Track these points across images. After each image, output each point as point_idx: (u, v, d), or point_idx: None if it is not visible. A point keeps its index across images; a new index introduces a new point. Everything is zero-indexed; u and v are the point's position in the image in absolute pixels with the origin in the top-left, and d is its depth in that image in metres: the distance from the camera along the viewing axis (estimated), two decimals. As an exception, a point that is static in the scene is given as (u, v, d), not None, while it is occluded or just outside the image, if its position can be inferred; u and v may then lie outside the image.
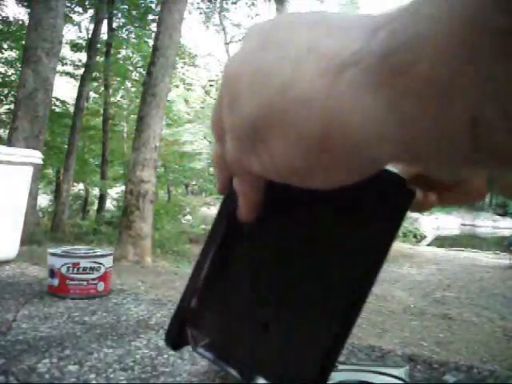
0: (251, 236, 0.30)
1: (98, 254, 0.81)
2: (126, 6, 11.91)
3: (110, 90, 11.98)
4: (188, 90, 13.68)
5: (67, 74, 12.20)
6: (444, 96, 0.16)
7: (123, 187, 10.05)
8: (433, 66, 0.16)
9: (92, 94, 12.88)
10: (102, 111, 12.21)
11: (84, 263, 0.78)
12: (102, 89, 12.16)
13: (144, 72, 9.65)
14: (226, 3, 14.26)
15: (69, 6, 11.06)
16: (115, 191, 13.38)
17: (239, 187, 0.27)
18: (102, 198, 12.69)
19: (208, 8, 14.54)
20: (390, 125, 0.18)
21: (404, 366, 0.50)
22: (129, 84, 12.59)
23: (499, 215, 23.34)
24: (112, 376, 0.47)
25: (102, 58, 11.71)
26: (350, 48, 0.19)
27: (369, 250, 0.26)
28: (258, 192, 0.27)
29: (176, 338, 0.32)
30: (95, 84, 12.33)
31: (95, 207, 13.48)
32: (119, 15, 12.16)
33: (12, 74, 11.57)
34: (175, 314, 0.33)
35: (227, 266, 0.31)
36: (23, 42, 7.08)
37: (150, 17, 11.87)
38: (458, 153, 0.17)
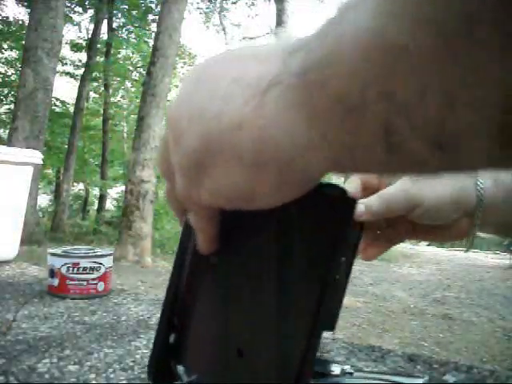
0: (215, 265, 0.31)
1: (98, 254, 0.81)
2: (126, 6, 11.92)
3: (110, 90, 11.99)
4: (188, 89, 13.65)
5: (67, 73, 12.20)
6: (355, 110, 0.17)
7: (123, 187, 10.06)
8: (341, 82, 0.17)
9: (92, 94, 12.89)
10: (102, 111, 12.22)
11: (84, 263, 0.78)
12: (102, 89, 12.17)
13: (144, 72, 9.65)
14: (226, 3, 14.27)
15: (69, 6, 11.06)
16: (115, 191, 13.38)
17: (195, 223, 0.28)
18: (101, 198, 12.69)
19: (208, 8, 14.54)
20: (313, 139, 0.19)
21: (423, 376, 0.49)
22: (129, 84, 12.59)
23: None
24: (112, 376, 0.47)
25: (102, 58, 11.72)
26: (272, 72, 0.21)
27: (321, 259, 0.27)
28: (213, 226, 0.28)
29: (161, 376, 0.33)
30: (95, 84, 12.34)
31: (95, 207, 13.49)
32: (119, 15, 12.17)
33: (12, 74, 11.58)
34: (154, 351, 0.33)
35: (198, 297, 0.32)
36: (23, 42, 7.08)
37: (150, 17, 11.89)
38: (376, 160, 0.18)
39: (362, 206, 0.38)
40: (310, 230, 0.28)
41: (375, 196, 0.41)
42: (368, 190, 0.43)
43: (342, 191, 0.27)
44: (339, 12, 0.18)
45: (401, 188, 0.41)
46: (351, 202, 0.27)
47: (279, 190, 0.23)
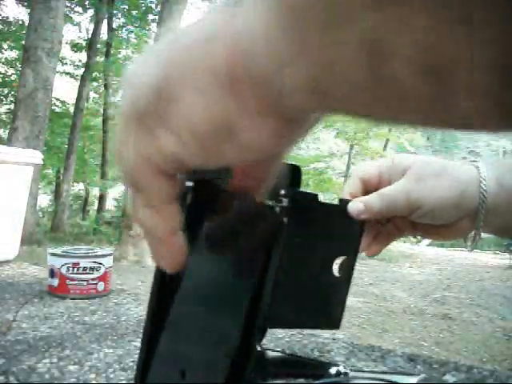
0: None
1: (98, 254, 0.81)
2: (126, 6, 11.92)
3: (110, 90, 11.98)
4: (188, 89, 13.64)
5: (67, 74, 12.20)
6: (341, 19, 0.14)
7: (123, 187, 10.04)
8: None
9: (92, 94, 12.88)
10: (101, 111, 12.21)
11: (84, 263, 0.78)
12: (102, 89, 12.16)
13: (144, 72, 9.63)
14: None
15: (69, 6, 11.06)
16: (115, 191, 13.37)
17: (150, 219, 0.24)
18: (101, 198, 12.69)
19: (208, 8, 14.52)
20: (290, 50, 0.16)
21: (419, 373, 0.50)
22: (129, 84, 12.56)
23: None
24: (112, 376, 0.47)
25: (102, 58, 11.71)
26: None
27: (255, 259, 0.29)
28: (176, 215, 0.24)
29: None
30: (95, 84, 12.33)
31: (95, 207, 13.48)
32: (119, 15, 12.16)
33: (12, 74, 11.57)
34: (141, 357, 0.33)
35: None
36: (23, 42, 7.08)
37: (150, 17, 11.88)
38: (359, 88, 0.16)
39: (361, 204, 0.38)
40: (245, 233, 0.29)
41: (375, 195, 0.41)
42: (368, 190, 0.43)
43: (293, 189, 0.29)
44: None
45: (402, 189, 0.41)
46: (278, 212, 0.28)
47: (255, 123, 0.19)
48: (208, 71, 0.19)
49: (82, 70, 11.27)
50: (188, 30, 0.20)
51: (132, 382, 0.46)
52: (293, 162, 0.29)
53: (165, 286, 0.31)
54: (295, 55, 0.16)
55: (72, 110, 11.27)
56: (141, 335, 0.36)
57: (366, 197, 0.41)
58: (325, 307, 0.33)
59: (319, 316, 0.33)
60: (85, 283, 0.78)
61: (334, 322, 0.34)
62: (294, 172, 0.29)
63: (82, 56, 11.95)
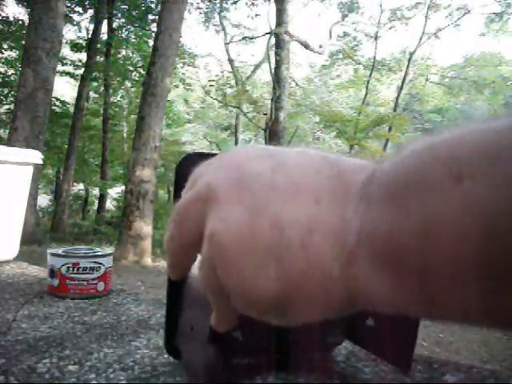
0: None
1: (98, 254, 0.81)
2: (126, 6, 11.92)
3: (110, 90, 11.98)
4: (188, 89, 13.68)
5: (67, 74, 12.20)
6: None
7: (123, 187, 10.05)
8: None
9: (92, 94, 12.88)
10: (102, 111, 12.21)
11: (84, 263, 0.78)
12: (102, 89, 12.16)
13: (144, 72, 9.65)
14: (226, 3, 14.26)
15: (69, 6, 11.06)
16: (115, 191, 13.38)
17: (221, 308, 0.29)
18: (101, 198, 12.69)
19: (208, 8, 14.54)
20: (394, 300, 0.21)
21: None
22: (129, 84, 12.59)
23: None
24: (112, 376, 0.47)
25: (102, 58, 11.71)
26: (350, 230, 0.21)
27: None
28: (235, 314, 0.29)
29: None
30: (95, 84, 12.33)
31: (95, 207, 13.48)
32: (119, 15, 12.16)
33: (12, 74, 11.57)
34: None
35: None
36: (23, 42, 7.08)
37: (150, 17, 11.88)
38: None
39: None
40: None
41: None
42: None
43: None
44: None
45: None
46: None
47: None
48: (321, 306, 0.23)
49: (82, 69, 11.27)
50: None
51: (132, 382, 0.46)
52: None
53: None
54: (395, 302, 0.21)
55: (72, 109, 11.27)
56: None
57: None
58: None
59: None
60: (85, 283, 0.78)
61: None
62: None
63: (82, 56, 11.96)
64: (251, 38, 14.59)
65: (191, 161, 0.34)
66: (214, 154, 0.35)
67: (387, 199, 0.20)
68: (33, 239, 6.14)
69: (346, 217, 0.21)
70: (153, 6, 11.71)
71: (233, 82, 12.73)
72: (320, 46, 14.24)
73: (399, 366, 0.46)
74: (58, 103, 11.43)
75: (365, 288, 0.21)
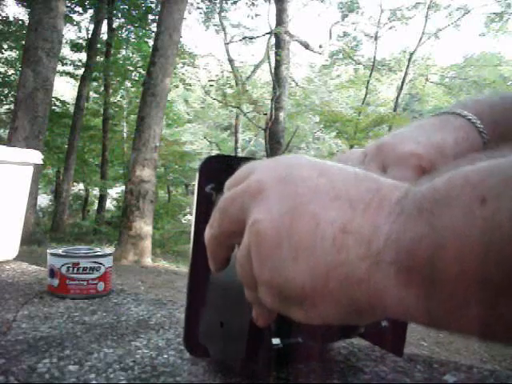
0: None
1: (98, 254, 0.81)
2: (126, 6, 11.91)
3: (110, 90, 11.98)
4: (188, 90, 13.67)
5: (67, 74, 12.19)
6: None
7: (123, 187, 10.05)
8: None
9: (92, 94, 12.88)
10: (102, 111, 12.21)
11: (84, 263, 0.78)
12: (102, 89, 12.16)
13: (144, 72, 9.64)
14: (226, 3, 14.26)
15: (69, 6, 11.06)
16: (115, 191, 13.38)
17: (258, 306, 0.31)
18: (102, 198, 12.68)
19: (208, 8, 14.54)
20: (418, 309, 0.22)
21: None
22: (129, 84, 12.58)
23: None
24: (112, 376, 0.47)
25: (102, 58, 11.71)
26: (379, 236, 0.23)
27: None
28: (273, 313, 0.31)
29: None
30: (95, 84, 12.33)
31: (95, 207, 13.48)
32: (119, 15, 12.16)
33: (12, 74, 11.57)
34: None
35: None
36: (23, 42, 7.08)
37: (150, 17, 11.88)
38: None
39: None
40: None
41: None
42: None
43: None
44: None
45: None
46: None
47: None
48: (346, 304, 0.24)
49: (82, 69, 11.27)
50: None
51: (132, 382, 0.46)
52: None
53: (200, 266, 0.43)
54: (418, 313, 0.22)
55: (72, 109, 11.27)
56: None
57: None
58: None
59: None
60: (85, 283, 0.78)
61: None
62: None
63: (82, 56, 11.95)
64: (251, 38, 14.59)
65: (213, 162, 0.42)
66: (233, 157, 0.40)
67: (416, 212, 0.22)
68: (33, 239, 6.14)
69: (377, 224, 0.23)
70: (153, 6, 11.71)
71: (233, 82, 12.73)
72: (320, 46, 14.24)
73: (394, 353, 0.52)
74: (58, 103, 11.42)
75: (384, 291, 0.22)
